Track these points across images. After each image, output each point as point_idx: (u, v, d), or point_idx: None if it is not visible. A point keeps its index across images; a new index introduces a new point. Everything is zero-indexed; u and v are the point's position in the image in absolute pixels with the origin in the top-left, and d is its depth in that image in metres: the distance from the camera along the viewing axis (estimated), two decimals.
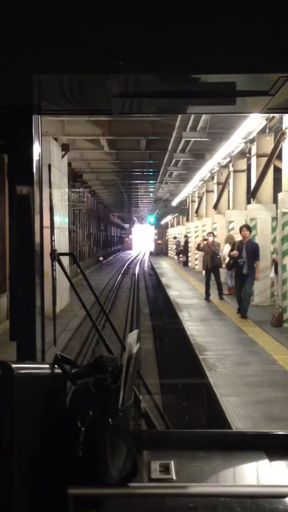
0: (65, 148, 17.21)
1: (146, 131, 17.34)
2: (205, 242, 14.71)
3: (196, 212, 25.88)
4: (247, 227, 11.73)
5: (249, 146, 14.63)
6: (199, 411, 7.83)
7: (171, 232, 44.29)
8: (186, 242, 28.76)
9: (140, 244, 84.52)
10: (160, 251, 53.83)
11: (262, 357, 8.22)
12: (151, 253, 58.62)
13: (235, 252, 11.50)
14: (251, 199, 14.02)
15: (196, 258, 25.21)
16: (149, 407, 2.10)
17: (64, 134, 16.43)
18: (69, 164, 20.83)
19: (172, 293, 16.58)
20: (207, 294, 14.48)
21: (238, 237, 15.16)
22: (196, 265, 25.16)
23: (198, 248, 15.98)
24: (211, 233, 15.37)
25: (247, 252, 11.26)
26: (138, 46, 1.40)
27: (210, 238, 14.64)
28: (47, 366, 1.49)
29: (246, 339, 9.61)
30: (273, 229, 12.44)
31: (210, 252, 14.22)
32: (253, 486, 1.56)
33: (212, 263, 14.22)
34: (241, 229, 11.66)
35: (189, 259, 27.94)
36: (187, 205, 30.99)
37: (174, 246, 38.72)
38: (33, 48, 1.40)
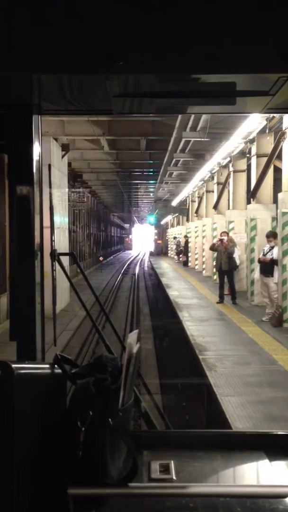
0: (65, 148, 17.21)
1: (146, 131, 17.34)
2: (220, 242, 13.92)
3: (196, 212, 25.87)
4: None
5: (249, 146, 14.63)
6: (199, 411, 7.83)
7: (171, 232, 44.28)
8: (186, 242, 28.77)
9: (140, 244, 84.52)
10: (160, 251, 53.78)
11: (262, 357, 8.22)
12: (151, 253, 58.60)
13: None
14: (251, 199, 14.01)
15: (196, 259, 25.21)
16: (149, 407, 2.10)
17: (64, 134, 16.42)
18: (69, 164, 20.83)
19: (172, 293, 16.57)
20: (221, 297, 13.88)
21: (238, 237, 15.23)
22: (196, 265, 25.16)
23: (212, 248, 14.82)
24: (225, 233, 14.51)
25: None
26: (138, 46, 1.40)
27: (225, 238, 13.92)
28: (47, 366, 1.49)
29: (246, 339, 9.61)
30: (273, 229, 12.43)
31: (226, 253, 13.67)
32: (253, 486, 1.56)
33: (229, 265, 13.70)
34: None
35: (189, 259, 27.95)
36: (187, 205, 30.98)
37: (174, 246, 38.71)
38: (33, 48, 1.39)
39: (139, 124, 16.98)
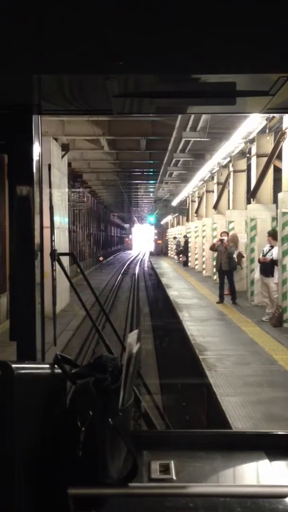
0: (65, 148, 17.21)
1: (146, 131, 17.34)
2: (220, 242, 13.92)
3: (196, 212, 25.87)
4: None
5: (249, 146, 14.63)
6: (199, 411, 7.83)
7: (171, 232, 44.27)
8: (186, 242, 28.77)
9: (140, 244, 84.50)
10: (160, 251, 53.78)
11: (262, 357, 8.22)
12: (151, 253, 58.60)
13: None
14: (251, 199, 14.01)
15: (196, 258, 25.21)
16: (149, 407, 2.10)
17: (64, 134, 16.42)
18: (69, 164, 20.82)
19: (172, 293, 16.57)
20: (221, 297, 13.89)
21: (241, 237, 15.21)
22: (196, 265, 25.16)
23: (212, 248, 14.88)
24: (225, 233, 14.56)
25: None
26: (138, 46, 1.40)
27: (225, 238, 13.94)
28: (47, 366, 1.49)
29: (246, 339, 9.61)
30: (273, 229, 12.42)
31: (226, 253, 13.68)
32: (253, 486, 1.56)
33: (229, 265, 13.69)
34: None
35: (189, 259, 27.95)
36: (187, 205, 30.98)
37: (174, 246, 38.71)
38: (33, 48, 1.39)
39: (139, 124, 16.98)
